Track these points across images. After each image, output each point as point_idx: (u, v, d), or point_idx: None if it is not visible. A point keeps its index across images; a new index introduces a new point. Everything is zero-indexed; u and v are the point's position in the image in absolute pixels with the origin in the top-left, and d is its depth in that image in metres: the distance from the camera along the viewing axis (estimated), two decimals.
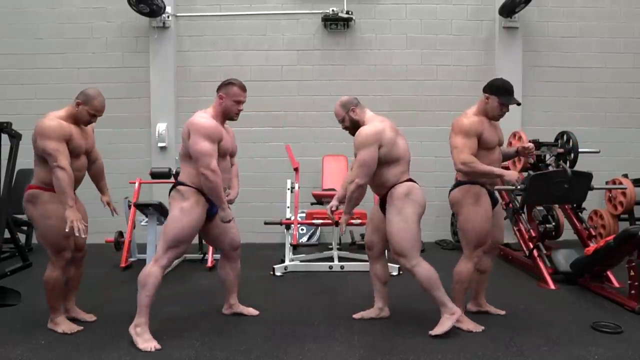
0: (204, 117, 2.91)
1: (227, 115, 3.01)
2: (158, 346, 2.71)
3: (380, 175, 3.01)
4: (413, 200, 2.96)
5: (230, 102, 2.97)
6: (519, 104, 3.05)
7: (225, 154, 2.99)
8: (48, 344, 2.79)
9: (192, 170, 2.90)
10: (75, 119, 2.95)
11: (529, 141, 4.35)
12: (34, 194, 2.89)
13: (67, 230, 2.74)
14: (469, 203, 2.98)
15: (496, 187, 3.15)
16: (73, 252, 3.02)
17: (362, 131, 2.98)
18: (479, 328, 2.97)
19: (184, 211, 2.85)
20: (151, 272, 2.79)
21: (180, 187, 2.92)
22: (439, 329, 2.87)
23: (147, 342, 2.72)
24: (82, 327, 3.03)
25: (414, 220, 2.94)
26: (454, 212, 3.15)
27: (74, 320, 3.14)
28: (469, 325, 2.99)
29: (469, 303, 3.30)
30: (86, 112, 2.93)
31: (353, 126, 3.09)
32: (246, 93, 3.02)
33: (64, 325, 2.99)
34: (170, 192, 2.98)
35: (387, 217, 3.00)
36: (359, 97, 3.17)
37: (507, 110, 3.03)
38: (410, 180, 3.05)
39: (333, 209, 3.19)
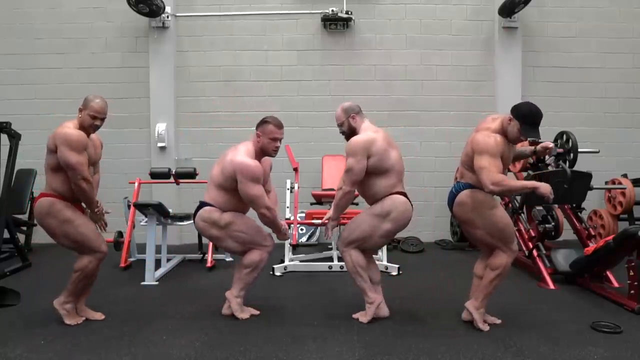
0: (250, 159, 3.06)
1: (264, 152, 3.18)
2: (256, 312, 3.26)
3: (371, 186, 3.06)
4: (390, 219, 3.03)
5: (267, 140, 3.13)
6: (538, 142, 2.92)
7: (266, 182, 3.29)
8: (48, 343, 2.78)
9: (220, 198, 3.15)
10: (84, 128, 2.99)
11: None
12: (51, 203, 2.93)
13: (97, 230, 3.01)
14: (489, 207, 2.90)
15: None
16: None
17: (353, 140, 3.06)
18: (485, 327, 2.99)
19: (240, 218, 3.17)
20: (263, 257, 3.18)
21: (213, 210, 3.14)
22: (363, 317, 3.13)
23: (243, 313, 3.22)
24: (84, 317, 3.16)
25: (376, 228, 3.04)
26: (461, 216, 2.99)
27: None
28: (480, 321, 2.98)
29: (465, 312, 3.11)
30: (87, 116, 2.97)
31: (350, 132, 3.15)
32: (282, 130, 3.18)
33: (71, 317, 3.08)
34: (198, 212, 3.18)
35: (363, 210, 3.18)
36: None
37: (525, 140, 2.95)
38: (400, 193, 3.07)
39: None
